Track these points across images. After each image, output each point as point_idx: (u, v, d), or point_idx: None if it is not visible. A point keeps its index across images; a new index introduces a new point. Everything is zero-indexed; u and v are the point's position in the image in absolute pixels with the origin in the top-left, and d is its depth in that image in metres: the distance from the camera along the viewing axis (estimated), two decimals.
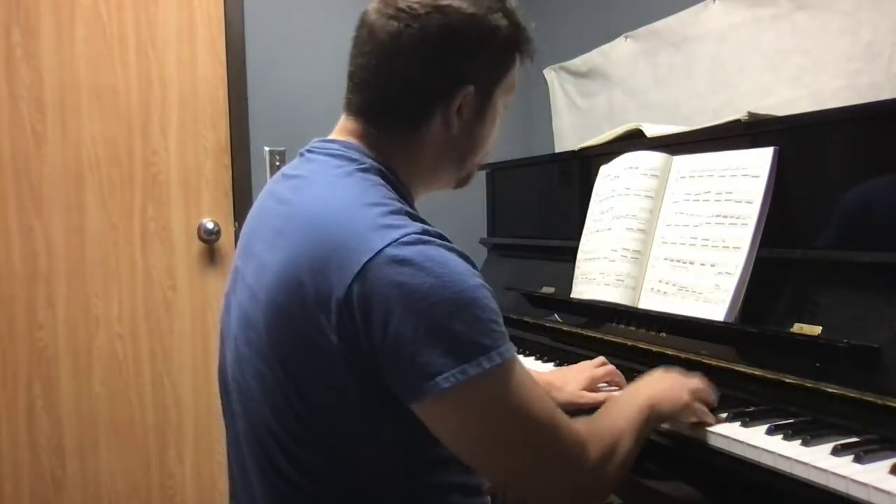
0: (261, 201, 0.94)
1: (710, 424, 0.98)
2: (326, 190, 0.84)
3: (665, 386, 0.98)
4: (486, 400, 0.76)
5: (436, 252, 0.75)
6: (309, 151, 0.91)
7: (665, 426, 1.02)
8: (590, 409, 1.17)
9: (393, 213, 0.79)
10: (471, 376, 0.73)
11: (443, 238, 0.79)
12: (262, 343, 0.81)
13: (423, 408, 0.76)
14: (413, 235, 0.75)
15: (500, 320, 0.78)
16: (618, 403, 0.95)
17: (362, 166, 0.85)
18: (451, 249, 0.78)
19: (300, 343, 0.77)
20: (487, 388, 0.75)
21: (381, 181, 0.85)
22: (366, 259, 0.73)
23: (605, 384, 1.21)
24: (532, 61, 0.94)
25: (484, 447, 0.79)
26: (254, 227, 0.92)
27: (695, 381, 1.00)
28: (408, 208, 0.83)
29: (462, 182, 1.00)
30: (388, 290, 0.72)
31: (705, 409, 0.99)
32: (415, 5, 0.83)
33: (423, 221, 0.81)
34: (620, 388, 1.20)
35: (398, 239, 0.74)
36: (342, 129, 0.91)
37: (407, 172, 0.90)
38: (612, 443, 0.85)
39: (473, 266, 0.80)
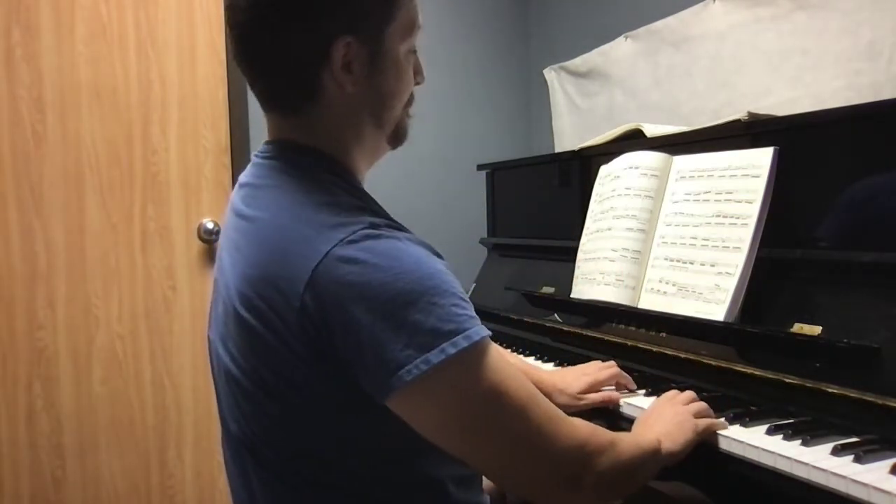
0: (227, 212, 0.93)
1: (723, 427, 0.98)
2: (272, 199, 0.82)
3: (673, 421, 0.96)
4: (456, 387, 0.73)
5: (384, 245, 0.74)
6: (255, 156, 0.90)
7: None
8: (589, 412, 1.17)
9: (341, 210, 0.77)
10: (434, 365, 0.71)
11: (392, 227, 0.78)
12: (238, 353, 0.82)
13: (395, 403, 0.74)
14: (360, 232, 0.74)
15: (464, 302, 0.75)
16: (628, 435, 0.93)
17: (301, 163, 0.84)
18: (401, 238, 0.76)
19: (270, 355, 0.77)
20: (455, 374, 0.73)
21: (323, 172, 0.84)
22: (313, 265, 0.72)
23: (609, 387, 1.19)
24: None
25: (462, 436, 0.76)
26: (223, 239, 0.92)
27: (694, 406, 1.00)
28: (357, 200, 0.81)
29: (395, 139, 0.93)
30: (341, 291, 0.72)
31: (712, 421, 0.98)
32: None
33: (373, 210, 0.81)
34: (629, 389, 1.19)
35: (343, 239, 0.73)
36: (270, 130, 0.90)
37: (338, 149, 0.87)
38: (608, 453, 0.81)
39: (430, 249, 0.78)
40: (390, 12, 0.83)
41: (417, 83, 0.93)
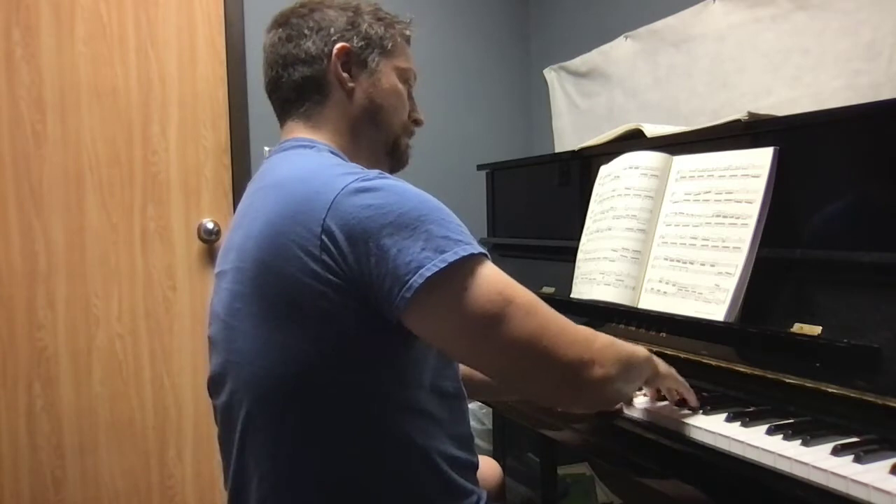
0: (238, 206, 1.00)
1: (694, 404, 1.03)
2: (291, 164, 0.94)
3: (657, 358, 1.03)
4: (470, 287, 0.80)
5: (394, 181, 0.85)
6: (270, 153, 1.02)
7: (664, 424, 1.03)
8: (594, 415, 1.16)
9: (353, 167, 0.89)
10: (451, 263, 0.78)
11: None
12: (253, 306, 0.86)
13: (411, 311, 0.79)
14: (373, 173, 0.85)
15: (466, 230, 0.84)
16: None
17: (316, 147, 0.97)
18: (408, 183, 0.86)
19: (291, 292, 0.82)
20: (469, 273, 0.80)
21: (331, 153, 0.96)
22: (333, 196, 0.81)
23: None
24: (408, 37, 1.06)
25: (476, 338, 0.81)
26: (230, 227, 0.99)
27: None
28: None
29: (393, 156, 1.06)
30: (359, 214, 0.80)
31: (687, 385, 1.04)
32: (287, 12, 1.02)
33: None
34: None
35: (360, 177, 0.84)
36: (285, 134, 1.02)
37: (341, 146, 0.99)
38: (609, 348, 0.86)
39: None
40: (380, 38, 1.02)
41: (417, 123, 1.08)
